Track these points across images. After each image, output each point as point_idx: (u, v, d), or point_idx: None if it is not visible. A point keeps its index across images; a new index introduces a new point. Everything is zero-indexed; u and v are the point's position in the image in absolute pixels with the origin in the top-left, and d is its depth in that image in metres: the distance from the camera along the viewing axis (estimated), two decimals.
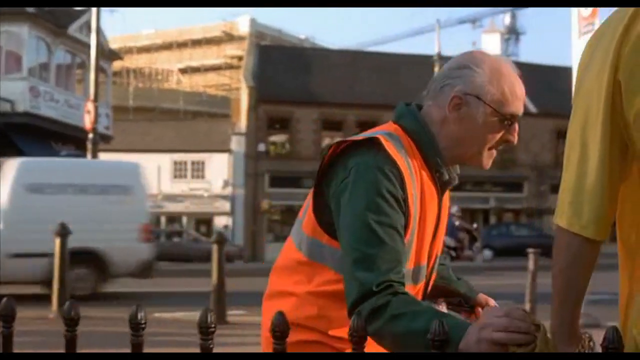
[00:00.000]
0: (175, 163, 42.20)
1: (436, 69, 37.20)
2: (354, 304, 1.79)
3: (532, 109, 42.35)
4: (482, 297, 2.38)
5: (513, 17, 52.31)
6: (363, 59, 45.36)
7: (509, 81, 2.02)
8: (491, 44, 47.88)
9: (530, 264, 10.72)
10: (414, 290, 2.03)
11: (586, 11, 9.84)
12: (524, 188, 42.14)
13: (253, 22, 61.44)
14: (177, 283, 19.98)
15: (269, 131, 41.32)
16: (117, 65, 47.49)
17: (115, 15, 74.40)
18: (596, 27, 9.66)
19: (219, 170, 41.57)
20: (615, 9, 1.65)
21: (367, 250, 1.82)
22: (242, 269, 23.86)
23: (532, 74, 44.36)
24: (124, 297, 14.65)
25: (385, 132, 2.00)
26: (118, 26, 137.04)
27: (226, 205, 41.51)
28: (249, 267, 27.07)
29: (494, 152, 2.07)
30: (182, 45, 65.33)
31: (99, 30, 21.10)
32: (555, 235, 1.62)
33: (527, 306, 9.80)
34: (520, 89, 2.04)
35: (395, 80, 43.51)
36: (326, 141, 41.76)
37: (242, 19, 62.74)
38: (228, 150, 41.46)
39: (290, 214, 41.23)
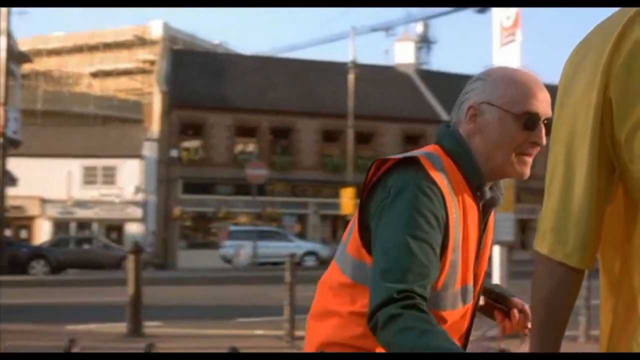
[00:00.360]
0: (86, 169, 41.31)
1: (350, 76, 37.48)
2: (373, 311, 1.77)
3: (446, 117, 43.02)
4: (517, 300, 2.33)
5: (425, 26, 53.08)
6: (277, 64, 45.39)
7: (523, 83, 1.99)
8: (405, 52, 48.43)
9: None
10: (463, 310, 2.03)
11: (507, 22, 10.00)
12: None
13: (166, 26, 60.78)
14: (89, 292, 19.53)
15: (182, 137, 40.89)
16: (26, 67, 46.30)
17: (25, 17, 72.80)
18: (517, 37, 9.79)
19: (130, 176, 40.90)
20: (603, 19, 1.55)
21: (395, 260, 1.80)
22: (156, 277, 23.50)
23: (447, 83, 45.17)
24: (36, 309, 14.25)
25: (425, 152, 2.00)
26: (27, 28, 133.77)
27: (138, 212, 40.87)
28: (163, 276, 26.72)
29: (528, 158, 2.02)
30: (93, 48, 64.17)
31: (8, 32, 20.49)
32: (534, 263, 1.53)
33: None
34: (539, 90, 2.00)
35: (309, 87, 43.67)
36: (240, 147, 41.63)
37: (154, 23, 61.99)
38: (140, 156, 40.85)
39: (202, 220, 40.89)
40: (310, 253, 35.66)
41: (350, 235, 2.03)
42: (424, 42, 52.40)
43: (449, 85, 45.30)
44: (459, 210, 1.96)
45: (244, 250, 33.95)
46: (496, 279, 10.04)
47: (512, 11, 9.94)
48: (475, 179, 2.01)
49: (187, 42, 59.04)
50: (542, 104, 1.99)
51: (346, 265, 2.02)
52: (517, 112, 1.97)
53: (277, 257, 29.39)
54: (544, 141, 1.97)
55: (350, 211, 37.54)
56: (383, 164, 1.96)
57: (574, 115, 1.49)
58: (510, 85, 2.00)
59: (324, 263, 35.33)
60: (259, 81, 43.07)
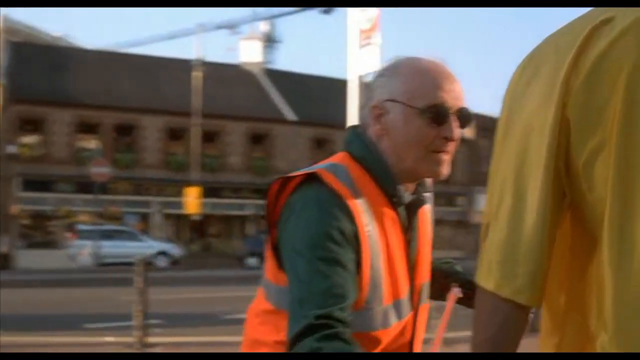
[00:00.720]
0: None
1: (195, 74, 37.31)
2: (291, 342, 1.65)
3: (292, 117, 43.56)
4: None
5: (271, 25, 53.46)
6: (121, 60, 44.47)
7: (427, 74, 1.85)
8: (250, 51, 48.61)
9: None
10: (399, 326, 1.87)
11: (366, 24, 10.23)
12: None
13: (5, 18, 58.34)
14: None
15: (21, 132, 39.44)
16: None
17: None
18: (376, 40, 10.05)
19: None
20: (556, 30, 1.41)
21: (307, 286, 1.68)
22: None
23: (293, 82, 45.68)
24: None
25: (329, 164, 1.86)
26: None
27: None
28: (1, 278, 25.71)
29: (443, 156, 1.86)
30: None
31: None
32: (477, 299, 1.38)
33: None
34: (445, 80, 1.85)
35: (154, 84, 43.12)
36: (82, 144, 40.60)
37: None
38: None
39: (42, 219, 39.61)
40: (161, 253, 35.30)
41: (267, 258, 1.90)
42: (270, 41, 52.75)
43: (296, 84, 45.92)
44: (375, 220, 1.81)
45: (87, 250, 33.20)
46: None
47: (371, 14, 10.16)
48: (388, 185, 1.86)
49: (27, 34, 56.88)
50: (451, 94, 1.85)
51: (268, 291, 1.89)
52: (422, 107, 1.83)
53: (126, 257, 28.87)
54: (457, 135, 1.85)
55: (195, 210, 37.45)
56: (286, 183, 1.83)
57: (525, 137, 1.33)
58: (413, 78, 1.86)
59: (176, 263, 35.09)
60: (103, 76, 42.13)
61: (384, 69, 1.93)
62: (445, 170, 1.88)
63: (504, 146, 1.38)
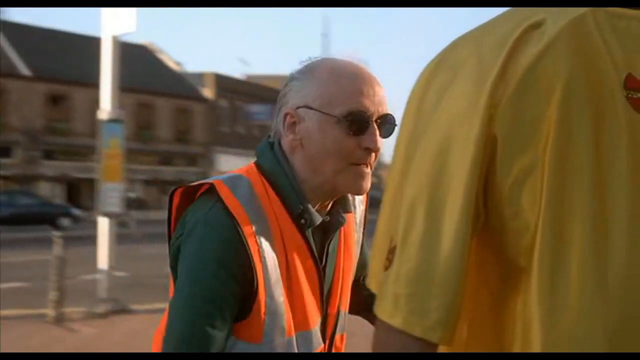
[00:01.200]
0: None
1: None
2: None
3: (25, 71, 41.55)
4: None
5: None
6: None
7: (344, 77, 1.67)
8: None
9: (58, 251, 9.38)
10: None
11: None
12: (14, 153, 41.11)
13: None
14: None
15: None
16: None
17: None
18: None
19: None
20: (471, 30, 1.23)
21: (171, 325, 1.58)
22: None
23: (25, 35, 43.43)
24: None
25: (232, 176, 1.68)
26: None
27: None
28: None
29: (364, 169, 1.68)
30: None
31: None
32: (380, 334, 1.18)
33: (54, 294, 9.29)
34: (366, 84, 1.67)
35: None
36: None
37: None
38: None
39: None
40: None
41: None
42: None
43: (32, 38, 43.72)
44: (276, 244, 1.64)
45: None
46: (103, 250, 9.89)
47: None
48: (295, 205, 1.68)
49: None
50: (372, 100, 1.67)
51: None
52: (339, 114, 1.65)
53: None
54: (379, 145, 1.68)
55: None
56: (185, 193, 1.70)
57: (443, 153, 1.13)
58: (329, 82, 1.68)
59: None
60: None
61: (298, 71, 1.74)
62: (366, 184, 1.70)
63: (412, 162, 1.16)
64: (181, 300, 1.58)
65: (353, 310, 1.97)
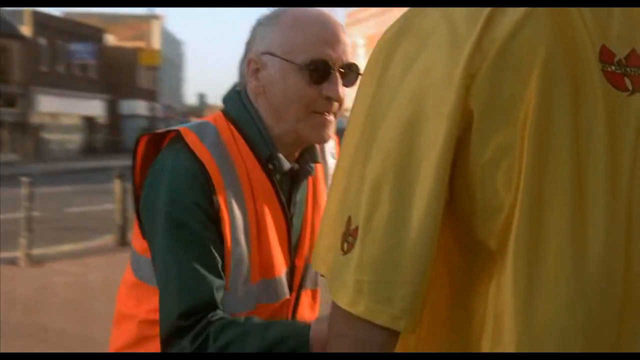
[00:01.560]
0: None
1: None
2: (166, 341, 1.59)
3: None
4: None
5: None
6: None
7: (309, 24, 1.66)
8: None
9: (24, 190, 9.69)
10: (269, 308, 1.70)
11: None
12: None
13: None
14: None
15: None
16: None
17: None
18: None
19: None
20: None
21: (169, 274, 1.59)
22: None
23: None
24: None
25: (199, 122, 1.71)
26: None
27: None
28: None
29: (327, 118, 1.68)
30: None
31: None
32: (337, 321, 1.09)
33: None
34: (329, 32, 1.66)
35: None
36: None
37: None
38: None
39: None
40: None
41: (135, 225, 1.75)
42: None
43: None
44: (244, 191, 1.65)
45: None
46: None
47: None
48: (263, 150, 1.68)
49: None
50: (335, 49, 1.66)
51: (133, 261, 1.76)
52: (301, 62, 1.64)
53: None
54: (342, 94, 1.67)
55: None
56: (152, 137, 1.70)
57: (411, 129, 1.04)
58: (293, 29, 1.67)
59: None
60: None
61: (264, 16, 1.73)
62: (328, 133, 1.70)
63: (374, 137, 1.06)
64: (166, 249, 1.58)
65: None
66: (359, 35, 38.86)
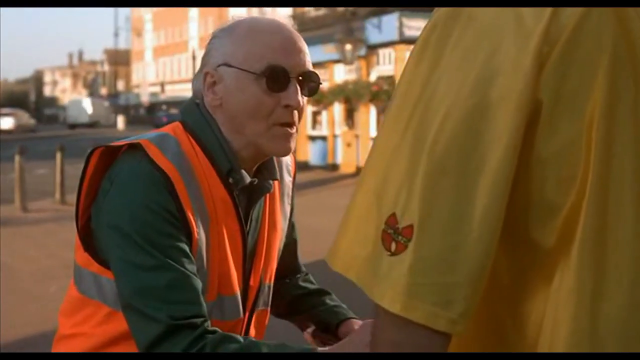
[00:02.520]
0: None
1: None
2: (148, 346, 1.52)
3: None
4: (351, 323, 1.85)
5: None
6: None
7: (264, 34, 1.66)
8: None
9: None
10: (224, 326, 1.63)
11: None
12: None
13: None
14: None
15: None
16: None
17: None
18: None
19: None
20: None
21: (149, 279, 1.53)
22: None
23: None
24: None
25: (158, 134, 1.66)
26: None
27: None
28: None
29: (287, 130, 1.65)
30: None
31: None
32: (386, 332, 1.00)
33: None
34: (286, 40, 1.66)
35: None
36: None
37: None
38: None
39: None
40: None
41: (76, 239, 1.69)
42: None
43: None
44: (205, 204, 1.62)
45: None
46: None
47: None
48: (223, 163, 1.65)
49: None
50: (292, 56, 1.65)
51: (76, 275, 1.71)
52: (257, 70, 1.62)
53: None
54: (300, 102, 1.64)
55: None
56: (105, 150, 1.64)
57: (476, 120, 0.96)
58: (248, 38, 1.66)
59: None
60: None
61: (220, 29, 1.74)
62: (290, 145, 1.67)
63: (428, 127, 0.98)
64: (143, 255, 1.53)
65: (279, 311, 1.95)
66: None
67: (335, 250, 1.05)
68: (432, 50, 1.01)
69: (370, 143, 18.76)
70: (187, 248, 1.57)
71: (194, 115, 1.70)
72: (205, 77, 1.69)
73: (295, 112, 1.66)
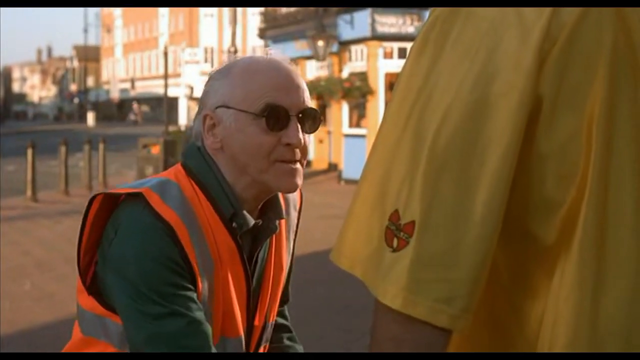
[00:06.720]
0: None
1: None
2: None
3: None
4: None
5: None
6: None
7: (261, 73, 1.66)
8: None
9: None
10: None
11: None
12: None
13: None
14: None
15: None
16: None
17: None
18: None
19: None
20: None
21: (159, 327, 1.55)
22: None
23: None
24: None
25: (159, 180, 1.66)
26: None
27: None
28: None
29: (291, 166, 1.64)
30: None
31: None
32: (388, 329, 1.00)
33: None
34: (283, 78, 1.66)
35: None
36: None
37: None
38: None
39: None
40: None
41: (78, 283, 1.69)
42: None
43: None
44: (209, 250, 1.63)
45: None
46: None
47: None
48: (226, 208, 1.64)
49: None
50: (290, 93, 1.65)
51: (79, 317, 1.71)
52: (256, 110, 1.62)
53: None
54: (301, 140, 1.64)
55: None
56: (107, 198, 1.64)
57: (477, 117, 0.97)
58: (245, 78, 1.66)
59: None
60: None
61: (216, 71, 1.73)
62: (296, 181, 1.66)
63: (427, 128, 0.99)
64: (145, 297, 1.54)
65: None
66: None
67: (340, 247, 1.06)
68: (432, 46, 1.02)
69: (343, 140, 19.30)
70: (194, 295, 1.59)
71: (195, 159, 1.69)
72: (204, 119, 1.69)
73: (298, 150, 1.66)
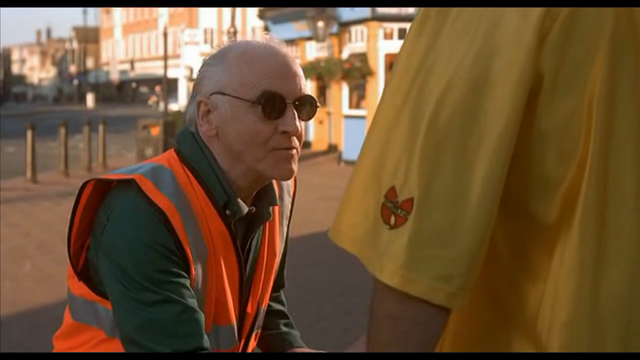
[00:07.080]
0: None
1: None
2: None
3: None
4: (295, 353, 1.91)
5: None
6: None
7: (257, 60, 1.62)
8: None
9: None
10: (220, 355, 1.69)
11: None
12: None
13: None
14: None
15: None
16: None
17: None
18: None
19: None
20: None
21: (151, 314, 1.53)
22: None
23: None
24: None
25: (152, 166, 1.62)
26: None
27: None
28: None
29: (287, 153, 1.62)
30: None
31: None
32: (386, 306, 1.00)
33: None
34: (280, 65, 1.62)
35: None
36: None
37: None
38: None
39: None
40: None
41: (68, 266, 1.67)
42: None
43: None
44: (203, 237, 1.61)
45: None
46: None
47: None
48: (220, 196, 1.62)
49: None
50: (287, 82, 1.61)
51: (70, 302, 1.70)
52: (252, 97, 1.59)
53: None
54: (298, 128, 1.62)
55: None
56: (100, 183, 1.61)
57: (477, 94, 0.96)
58: (240, 65, 1.62)
59: None
60: None
61: (211, 56, 1.69)
62: (292, 168, 1.63)
63: (426, 104, 0.98)
64: (138, 282, 1.53)
65: None
66: None
67: (337, 225, 1.05)
68: (432, 23, 1.01)
69: (342, 121, 19.33)
70: (187, 282, 1.57)
71: (189, 146, 1.66)
72: (198, 105, 1.66)
73: (294, 137, 1.63)
